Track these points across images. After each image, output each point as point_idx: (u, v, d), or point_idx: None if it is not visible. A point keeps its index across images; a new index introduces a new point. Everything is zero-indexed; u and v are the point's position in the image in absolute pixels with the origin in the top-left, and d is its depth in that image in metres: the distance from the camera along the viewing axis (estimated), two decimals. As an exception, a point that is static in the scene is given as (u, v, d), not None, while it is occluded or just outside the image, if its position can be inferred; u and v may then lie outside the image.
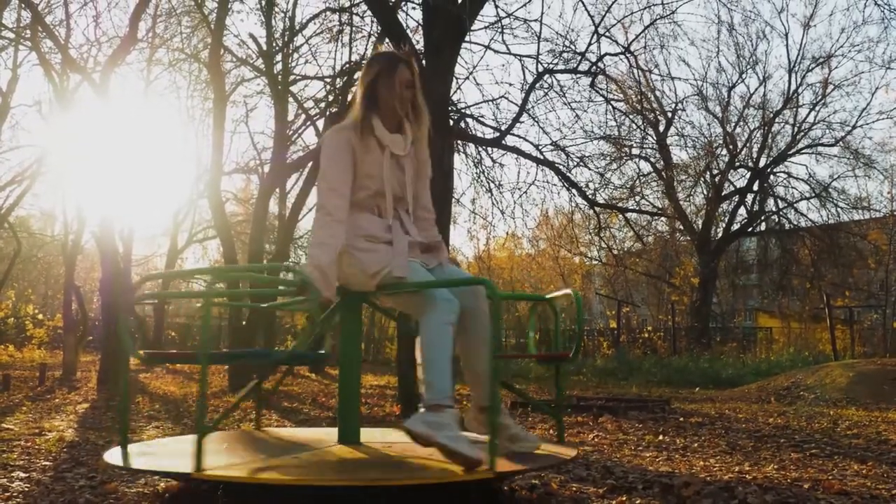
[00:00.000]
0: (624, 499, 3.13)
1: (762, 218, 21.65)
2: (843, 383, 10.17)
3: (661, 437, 5.42)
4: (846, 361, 12.32)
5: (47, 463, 3.75)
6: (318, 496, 2.61)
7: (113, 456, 2.87)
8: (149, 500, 2.86)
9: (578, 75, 12.95)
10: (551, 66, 12.54)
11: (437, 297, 2.65)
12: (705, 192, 22.11)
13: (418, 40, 9.22)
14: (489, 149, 13.04)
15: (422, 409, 2.55)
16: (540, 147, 13.16)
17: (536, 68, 12.31)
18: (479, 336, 2.80)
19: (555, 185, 15.11)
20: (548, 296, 3.51)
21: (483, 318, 2.83)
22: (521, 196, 14.27)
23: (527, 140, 18.08)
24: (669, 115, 20.06)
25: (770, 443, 5.20)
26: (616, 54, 13.33)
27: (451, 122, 9.63)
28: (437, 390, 2.54)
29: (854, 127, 20.70)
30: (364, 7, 11.93)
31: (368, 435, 3.31)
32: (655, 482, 3.49)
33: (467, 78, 12.48)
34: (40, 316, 21.89)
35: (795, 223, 20.92)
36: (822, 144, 21.19)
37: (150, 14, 13.81)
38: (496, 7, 11.65)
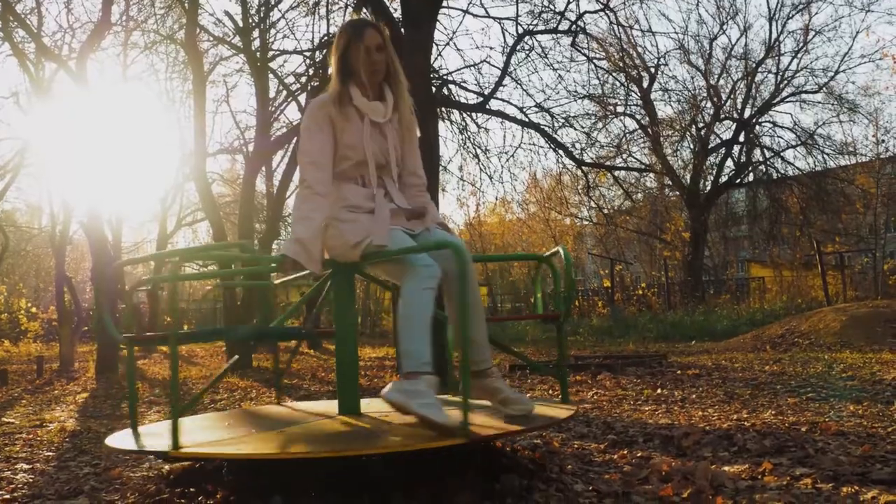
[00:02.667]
0: (625, 452, 3.16)
1: (749, 169, 21.67)
2: (837, 328, 10.26)
3: (659, 391, 5.46)
4: (838, 306, 12.41)
5: (50, 453, 3.76)
6: (318, 467, 2.63)
7: (114, 439, 2.87)
8: (154, 482, 2.87)
9: (559, 35, 12.89)
10: (531, 27, 12.45)
11: (414, 262, 2.62)
12: (692, 145, 22.09)
13: (396, 8, 9.13)
14: (474, 114, 12.99)
15: (399, 380, 2.54)
16: (524, 110, 13.13)
17: (516, 30, 12.23)
18: (466, 301, 2.78)
19: (541, 147, 15.09)
20: (543, 255, 3.50)
21: (470, 282, 2.75)
22: (508, 160, 14.25)
23: (511, 103, 17.93)
24: (652, 70, 19.96)
25: (767, 390, 5.26)
26: (595, 12, 13.24)
27: (434, 90, 9.56)
28: (414, 358, 2.52)
29: (837, 72, 20.66)
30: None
31: (368, 406, 3.33)
32: (656, 434, 3.53)
33: (447, 44, 12.42)
34: (34, 309, 21.83)
35: (783, 172, 20.93)
36: (806, 92, 21.15)
37: (122, -3, 13.59)
38: (472, -30, 11.52)
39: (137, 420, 3.08)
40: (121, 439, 2.79)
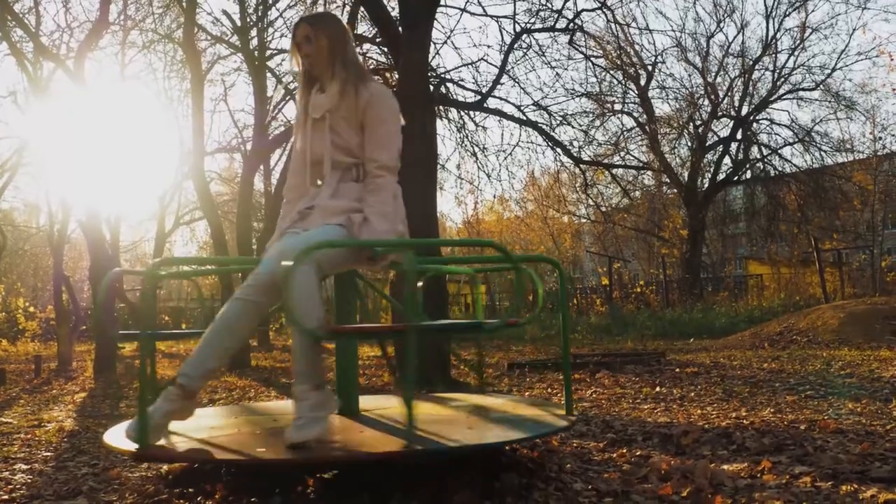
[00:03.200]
0: (624, 451, 3.16)
1: (747, 166, 21.68)
2: (835, 325, 10.27)
3: (658, 389, 5.47)
4: (837, 303, 12.42)
5: (48, 454, 3.76)
6: (318, 467, 2.63)
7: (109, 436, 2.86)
8: (152, 482, 2.87)
9: (556, 33, 12.90)
10: (529, 25, 12.46)
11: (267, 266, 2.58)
12: (689, 143, 22.11)
13: (393, 7, 9.12)
14: (471, 112, 12.99)
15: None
16: (522, 108, 13.14)
17: (514, 28, 12.25)
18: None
19: (539, 145, 15.12)
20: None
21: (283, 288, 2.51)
22: (506, 158, 14.28)
23: (508, 101, 18.03)
24: (650, 68, 19.97)
25: (765, 387, 5.26)
26: (593, 10, 13.25)
27: (432, 88, 9.56)
28: (187, 366, 2.55)
29: (834, 70, 20.70)
30: (336, -24, 11.77)
31: (367, 404, 3.33)
32: (654, 433, 3.53)
33: (445, 42, 12.41)
34: (31, 308, 21.80)
35: (780, 169, 20.96)
36: (803, 89, 21.17)
37: (119, -4, 13.56)
38: (470, -32, 11.52)
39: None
40: (114, 436, 2.79)
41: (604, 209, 19.40)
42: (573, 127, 14.72)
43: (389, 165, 2.80)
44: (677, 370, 6.80)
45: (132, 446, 2.44)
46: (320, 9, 12.85)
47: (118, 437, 2.65)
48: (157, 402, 2.50)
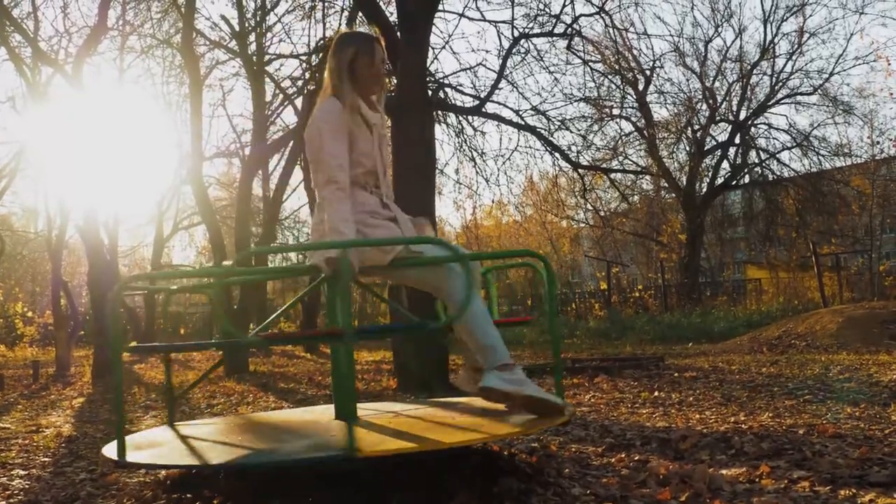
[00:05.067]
0: (623, 456, 3.16)
1: (745, 170, 21.70)
2: (833, 329, 10.27)
3: (656, 394, 5.46)
4: (835, 307, 12.43)
5: (46, 459, 3.75)
6: (316, 470, 2.63)
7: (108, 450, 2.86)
8: (150, 488, 2.86)
9: (555, 38, 12.90)
10: (527, 30, 12.48)
11: (454, 267, 2.75)
12: (688, 148, 22.13)
13: (391, 12, 9.13)
14: (470, 117, 13.01)
15: (490, 371, 2.67)
16: (520, 113, 13.13)
17: (512, 33, 12.26)
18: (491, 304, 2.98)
19: (538, 149, 15.12)
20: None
21: (476, 286, 2.92)
22: (504, 163, 14.28)
23: (507, 106, 18.02)
24: (648, 73, 19.99)
25: (764, 392, 5.26)
26: (591, 15, 13.24)
27: (430, 93, 9.57)
28: (500, 352, 2.68)
29: (831, 74, 20.73)
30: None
31: (365, 410, 3.32)
32: (653, 437, 3.52)
33: (443, 47, 12.44)
34: (30, 313, 21.78)
35: (778, 174, 20.99)
36: (801, 93, 21.20)
37: (118, 1, 13.58)
38: (468, -27, 11.56)
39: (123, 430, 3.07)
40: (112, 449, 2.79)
41: (602, 214, 19.39)
42: (571, 132, 14.74)
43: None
44: (676, 374, 6.80)
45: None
46: (318, 15, 12.90)
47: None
48: (534, 386, 2.69)
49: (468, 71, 13.09)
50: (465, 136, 13.41)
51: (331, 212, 2.81)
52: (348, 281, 2.75)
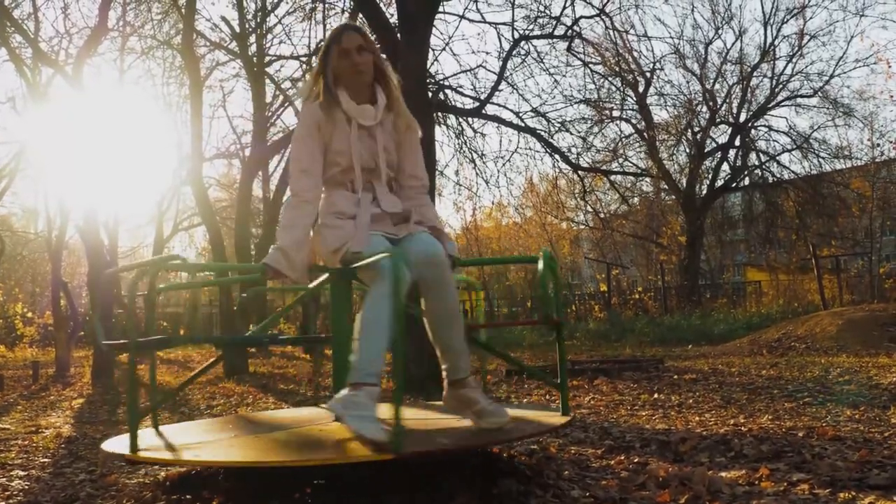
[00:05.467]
0: (622, 458, 3.16)
1: (745, 172, 21.70)
2: (833, 331, 10.27)
3: (656, 396, 5.46)
4: (835, 310, 12.43)
5: (46, 460, 3.75)
6: (316, 472, 2.63)
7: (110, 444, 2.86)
8: (149, 489, 2.86)
9: (555, 40, 12.91)
10: (527, 32, 12.48)
11: (384, 268, 2.51)
12: (688, 150, 22.13)
13: (392, 14, 9.14)
14: (470, 119, 13.00)
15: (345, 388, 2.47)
16: (520, 114, 13.13)
17: (512, 35, 12.27)
18: (442, 308, 2.69)
19: (538, 151, 15.12)
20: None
21: (445, 288, 2.70)
22: (504, 165, 14.24)
23: (507, 108, 18.01)
24: (648, 75, 19.99)
25: (764, 394, 5.26)
26: (591, 16, 13.24)
27: (430, 94, 9.57)
28: (359, 368, 2.44)
29: (832, 76, 20.71)
30: (335, -17, 11.81)
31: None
32: (653, 440, 3.53)
33: (444, 49, 12.42)
34: (29, 314, 21.77)
35: (778, 176, 20.98)
36: (801, 96, 21.19)
37: (119, 2, 13.58)
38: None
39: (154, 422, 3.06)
40: (114, 444, 2.79)
41: (602, 215, 19.40)
42: (571, 133, 14.75)
43: (428, 185, 3.03)
44: (675, 377, 6.80)
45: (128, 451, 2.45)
46: (319, 15, 12.91)
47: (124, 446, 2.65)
48: (368, 411, 2.39)
49: (468, 72, 13.08)
50: (465, 138, 13.42)
51: (280, 218, 2.84)
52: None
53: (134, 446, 2.51)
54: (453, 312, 2.71)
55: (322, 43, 4.11)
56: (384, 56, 3.03)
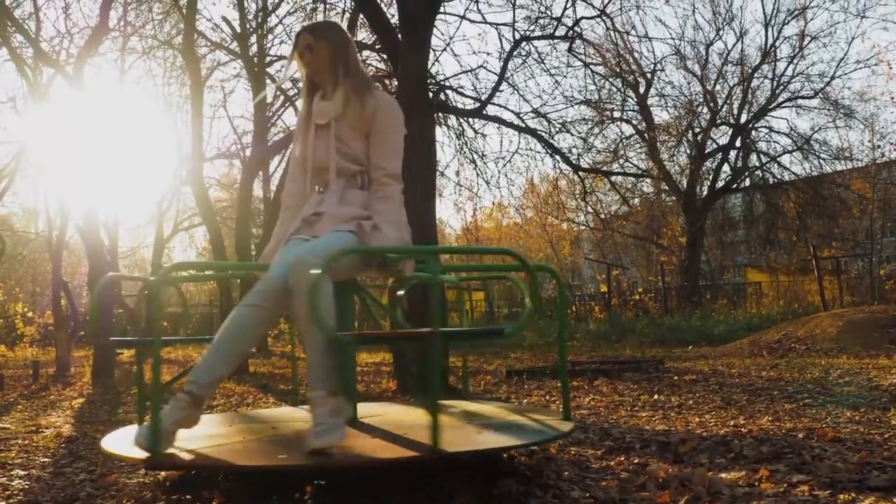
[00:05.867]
0: (622, 459, 3.16)
1: (746, 174, 21.71)
2: (833, 333, 10.27)
3: (656, 397, 5.46)
4: (835, 311, 12.43)
5: (46, 459, 3.75)
6: (316, 472, 2.63)
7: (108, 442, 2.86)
8: (150, 489, 2.86)
9: (556, 41, 12.92)
10: (528, 32, 12.49)
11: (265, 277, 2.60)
12: (688, 151, 22.14)
13: (393, 14, 9.14)
14: (470, 119, 13.01)
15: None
16: (521, 115, 13.15)
17: (513, 36, 12.28)
18: (296, 316, 2.58)
19: (538, 152, 15.13)
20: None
21: (295, 296, 2.51)
22: (505, 165, 14.25)
23: (508, 109, 18.01)
24: (649, 76, 20.00)
25: (764, 395, 5.26)
26: (592, 17, 13.24)
27: (431, 95, 9.57)
28: (193, 372, 2.51)
29: (833, 78, 20.72)
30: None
31: (364, 411, 3.32)
32: (652, 440, 3.52)
33: (444, 49, 12.42)
34: (30, 314, 21.77)
35: (779, 177, 20.99)
36: (802, 97, 21.20)
37: (120, 2, 13.59)
38: (469, -24, 11.58)
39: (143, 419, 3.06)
40: (114, 443, 2.79)
41: (603, 216, 19.39)
42: (572, 134, 14.77)
43: (396, 174, 2.83)
44: (675, 378, 6.80)
45: (142, 454, 2.43)
46: (320, 16, 12.89)
47: (121, 444, 2.65)
48: (166, 410, 2.47)
49: (469, 73, 13.09)
50: (466, 139, 13.43)
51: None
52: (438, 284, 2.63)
53: (155, 447, 2.45)
54: (301, 319, 2.51)
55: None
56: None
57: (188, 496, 2.66)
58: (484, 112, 11.90)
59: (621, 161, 20.20)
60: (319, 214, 2.78)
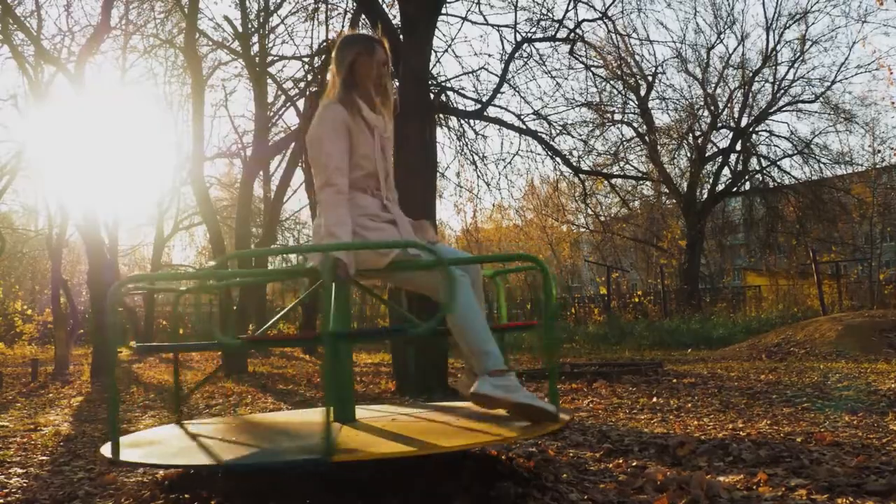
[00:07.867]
0: (620, 461, 3.16)
1: (746, 177, 21.71)
2: (832, 337, 10.27)
3: (654, 400, 5.46)
4: (834, 315, 12.43)
5: (44, 458, 3.75)
6: (313, 473, 2.63)
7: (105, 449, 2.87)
8: (148, 488, 2.86)
9: (557, 43, 12.91)
10: (530, 34, 12.48)
11: (452, 271, 2.69)
12: (689, 154, 22.14)
13: (394, 14, 9.14)
14: (471, 121, 13.00)
15: (482, 377, 2.65)
16: (522, 117, 13.12)
17: (515, 38, 12.26)
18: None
19: (539, 154, 15.13)
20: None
21: (478, 290, 2.93)
22: (505, 167, 14.23)
23: (508, 111, 18.04)
24: (650, 79, 19.99)
25: (762, 399, 5.26)
26: (594, 20, 13.24)
27: (432, 96, 9.57)
28: (495, 357, 2.66)
29: (833, 82, 20.73)
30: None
31: (363, 412, 3.33)
32: (651, 443, 3.53)
33: (446, 51, 12.41)
34: (29, 312, 21.78)
35: (779, 181, 20.99)
36: (803, 101, 21.20)
37: (122, 1, 13.60)
38: (471, -23, 11.57)
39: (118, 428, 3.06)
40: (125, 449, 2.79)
41: (603, 219, 19.39)
42: (573, 136, 14.74)
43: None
44: (674, 380, 6.80)
45: (141, 458, 2.46)
46: (321, 16, 12.91)
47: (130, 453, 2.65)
48: (522, 393, 2.66)
49: (470, 74, 13.06)
50: (467, 140, 13.42)
51: (327, 215, 2.82)
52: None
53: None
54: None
55: (329, 42, 4.15)
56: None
57: (186, 495, 2.66)
58: (485, 114, 11.88)
59: (622, 164, 20.22)
60: (415, 219, 3.09)
